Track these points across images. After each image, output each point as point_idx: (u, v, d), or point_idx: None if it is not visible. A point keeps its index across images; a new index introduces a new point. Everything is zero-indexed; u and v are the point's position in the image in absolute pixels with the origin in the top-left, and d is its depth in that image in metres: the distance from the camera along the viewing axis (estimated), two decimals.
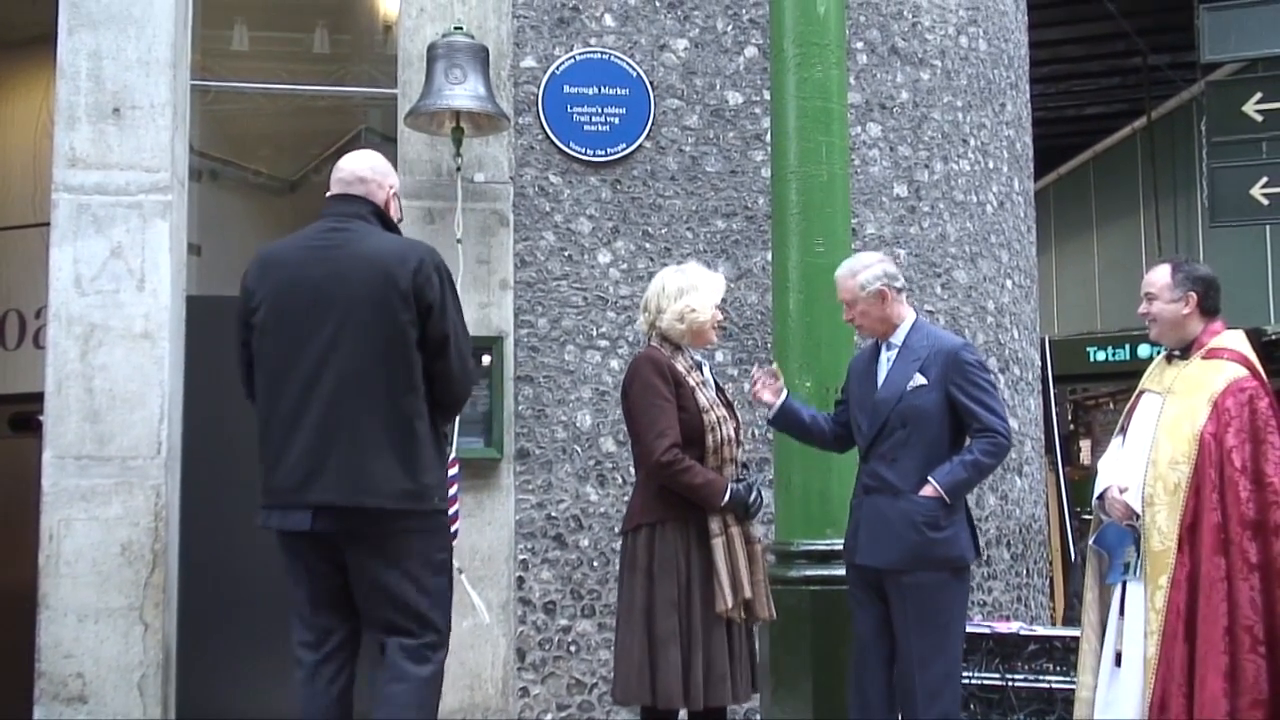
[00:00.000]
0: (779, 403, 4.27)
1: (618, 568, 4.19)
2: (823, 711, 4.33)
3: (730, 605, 3.84)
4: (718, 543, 3.89)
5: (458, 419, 4.49)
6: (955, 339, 4.31)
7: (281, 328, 3.60)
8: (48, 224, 5.41)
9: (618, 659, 4.00)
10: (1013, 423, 6.28)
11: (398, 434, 3.55)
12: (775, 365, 4.40)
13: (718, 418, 4.01)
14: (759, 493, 4.05)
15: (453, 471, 4.92)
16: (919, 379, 4.05)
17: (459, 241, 5.45)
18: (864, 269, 4.17)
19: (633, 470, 4.54)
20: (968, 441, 4.07)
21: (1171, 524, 3.95)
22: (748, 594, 3.89)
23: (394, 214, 3.79)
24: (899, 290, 4.19)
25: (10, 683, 5.76)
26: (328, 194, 3.78)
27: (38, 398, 5.42)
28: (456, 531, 4.92)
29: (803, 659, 4.39)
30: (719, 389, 4.20)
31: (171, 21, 5.46)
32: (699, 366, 4.14)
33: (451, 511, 4.88)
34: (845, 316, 4.28)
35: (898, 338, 4.16)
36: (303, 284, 3.58)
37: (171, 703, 5.22)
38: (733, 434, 4.06)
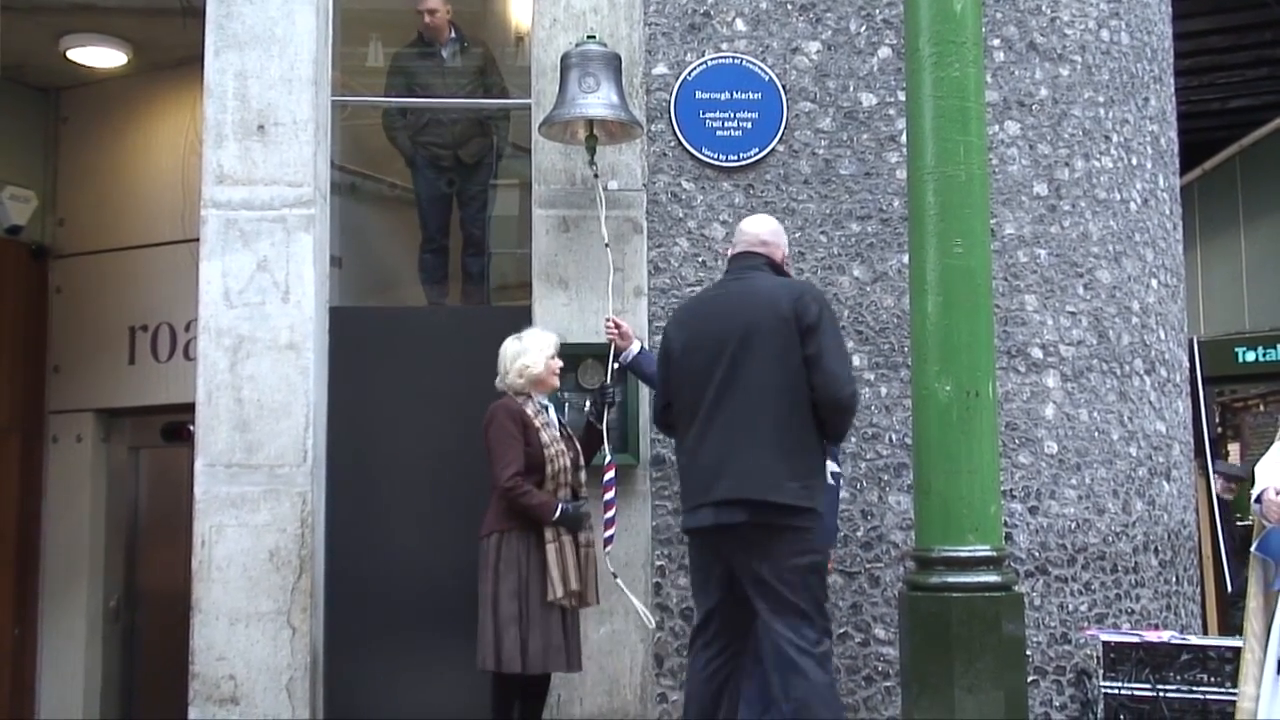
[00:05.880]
0: (633, 351, 5.24)
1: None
2: (966, 713, 4.24)
3: (560, 594, 4.81)
4: (551, 547, 4.83)
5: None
6: None
7: (691, 359, 4.37)
8: (196, 239, 5.59)
9: (478, 635, 4.82)
10: (1160, 426, 6.09)
11: (789, 438, 4.15)
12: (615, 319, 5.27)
13: (556, 451, 4.93)
14: (584, 511, 4.95)
15: (608, 476, 5.10)
16: None
17: (607, 246, 5.48)
18: None
19: None
20: None
21: None
22: (575, 586, 4.85)
23: (788, 270, 4.55)
24: None
25: (169, 683, 5.97)
26: (731, 252, 4.58)
27: (188, 408, 5.60)
28: (613, 536, 5.06)
29: (945, 665, 4.31)
30: (562, 427, 5.10)
31: (313, 40, 5.60)
32: (545, 409, 5.04)
33: (608, 516, 5.03)
34: None
35: None
36: (711, 322, 4.38)
37: (320, 705, 5.35)
38: (569, 463, 4.96)
